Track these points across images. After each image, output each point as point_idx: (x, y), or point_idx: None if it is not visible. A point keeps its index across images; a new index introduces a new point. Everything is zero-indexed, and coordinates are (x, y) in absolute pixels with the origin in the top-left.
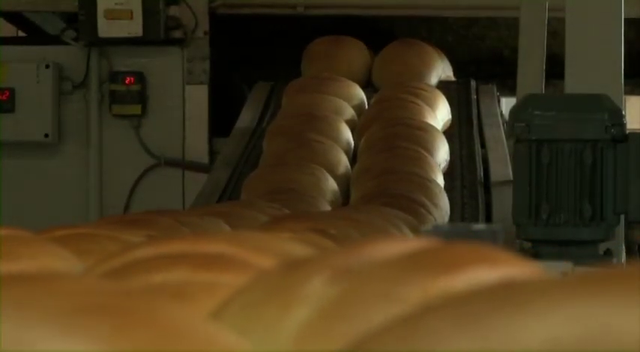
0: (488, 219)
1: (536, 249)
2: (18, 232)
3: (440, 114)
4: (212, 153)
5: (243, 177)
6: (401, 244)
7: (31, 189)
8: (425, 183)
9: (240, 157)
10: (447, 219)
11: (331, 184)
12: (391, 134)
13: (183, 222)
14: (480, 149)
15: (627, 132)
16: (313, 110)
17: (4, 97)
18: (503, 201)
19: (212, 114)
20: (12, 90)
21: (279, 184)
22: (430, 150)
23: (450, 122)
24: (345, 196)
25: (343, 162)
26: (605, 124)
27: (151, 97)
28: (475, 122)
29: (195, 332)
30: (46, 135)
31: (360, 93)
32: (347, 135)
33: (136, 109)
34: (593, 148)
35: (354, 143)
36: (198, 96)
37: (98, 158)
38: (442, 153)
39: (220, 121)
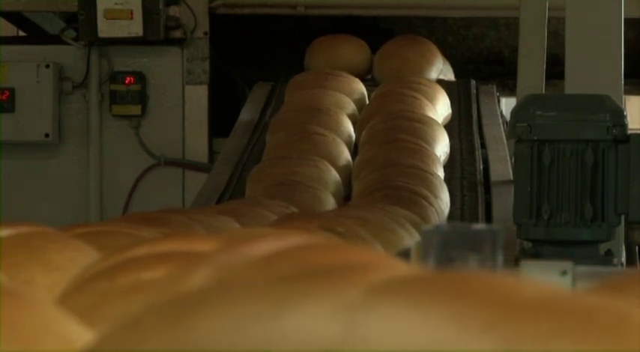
0: (489, 218)
1: (536, 249)
2: (45, 229)
3: (440, 109)
4: (212, 153)
5: (244, 177)
6: (274, 242)
7: (31, 189)
8: (426, 176)
9: (240, 157)
10: (447, 210)
11: (334, 176)
12: (392, 127)
13: (197, 220)
14: (480, 149)
15: (628, 132)
16: (315, 104)
17: (4, 97)
18: (504, 201)
19: (212, 114)
20: (12, 90)
21: (284, 177)
22: (430, 142)
23: (450, 116)
24: (346, 187)
25: (345, 154)
26: (606, 125)
27: (151, 97)
28: (475, 122)
29: (32, 322)
30: (46, 135)
31: (361, 88)
32: (348, 127)
33: (136, 109)
34: (594, 149)
35: (355, 136)
36: (198, 96)
37: (98, 158)
38: (442, 145)
39: (220, 121)
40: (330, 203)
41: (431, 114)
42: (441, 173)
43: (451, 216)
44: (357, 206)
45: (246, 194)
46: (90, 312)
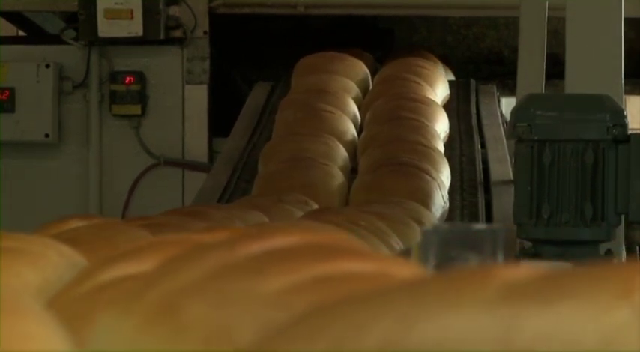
0: (489, 219)
1: (536, 249)
2: (114, 220)
3: (439, 91)
4: (212, 153)
5: (243, 177)
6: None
7: (31, 189)
8: (428, 152)
9: (240, 157)
10: (448, 183)
11: (342, 151)
12: (395, 106)
13: (234, 215)
14: (479, 149)
15: (629, 132)
16: (322, 87)
17: (4, 97)
18: (504, 201)
19: (212, 114)
20: (12, 90)
21: (296, 153)
22: (431, 120)
23: (448, 97)
24: (352, 161)
25: (351, 130)
26: (606, 125)
27: (151, 97)
28: (475, 122)
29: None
30: (47, 135)
31: (365, 70)
32: (354, 108)
33: (136, 109)
34: (594, 148)
35: (360, 119)
36: (198, 96)
37: (98, 158)
38: (442, 124)
39: (220, 121)
40: (339, 177)
41: (431, 96)
42: (441, 148)
43: (452, 189)
44: (377, 203)
45: (259, 171)
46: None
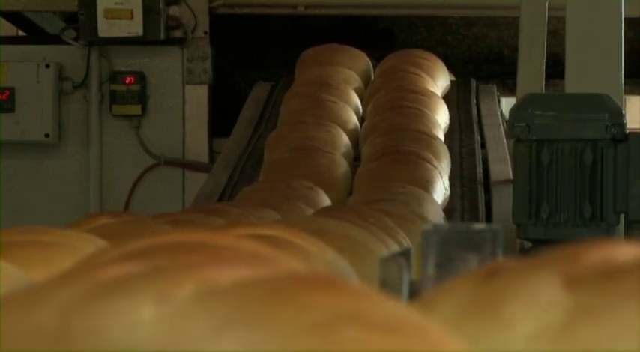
0: (489, 218)
1: (536, 248)
2: (140, 217)
3: (439, 82)
4: (212, 153)
5: (243, 177)
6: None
7: (31, 189)
8: (430, 141)
9: (240, 157)
10: (448, 170)
11: (345, 139)
12: (396, 97)
13: (249, 212)
14: (479, 149)
15: (627, 132)
16: (326, 80)
17: (4, 97)
18: (503, 201)
19: (212, 114)
20: (12, 90)
21: (301, 141)
22: (432, 111)
23: (448, 87)
24: (354, 149)
25: (353, 120)
26: (605, 124)
27: (151, 97)
28: (475, 122)
29: None
30: (47, 135)
31: (367, 60)
32: (356, 100)
33: (136, 109)
34: (593, 148)
35: (362, 111)
36: (198, 96)
37: (98, 158)
38: (443, 115)
39: (220, 121)
40: (343, 165)
41: (432, 88)
42: (442, 137)
43: (452, 176)
44: (384, 201)
45: (264, 159)
46: None
